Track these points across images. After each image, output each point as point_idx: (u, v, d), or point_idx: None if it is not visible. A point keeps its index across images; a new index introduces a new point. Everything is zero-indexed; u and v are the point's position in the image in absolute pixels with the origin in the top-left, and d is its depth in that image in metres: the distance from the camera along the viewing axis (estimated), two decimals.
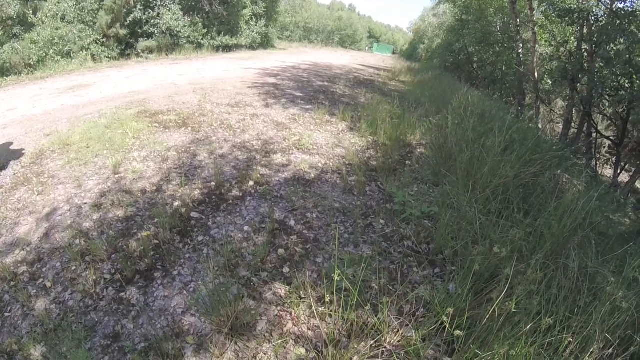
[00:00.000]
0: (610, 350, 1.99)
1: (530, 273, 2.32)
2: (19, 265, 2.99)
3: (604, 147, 13.97)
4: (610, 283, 2.54)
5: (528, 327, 1.96)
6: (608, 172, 13.36)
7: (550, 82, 14.58)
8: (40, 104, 7.35)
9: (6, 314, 2.61)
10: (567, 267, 2.53)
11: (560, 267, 2.53)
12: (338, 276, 2.04)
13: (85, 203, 3.68)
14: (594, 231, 3.11)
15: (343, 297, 2.24)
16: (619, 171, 11.89)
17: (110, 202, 3.64)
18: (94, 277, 2.76)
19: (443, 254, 3.03)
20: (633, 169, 11.99)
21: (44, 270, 2.93)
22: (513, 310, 2.01)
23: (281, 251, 3.00)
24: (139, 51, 15.94)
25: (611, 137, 12.66)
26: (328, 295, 2.34)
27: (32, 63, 13.23)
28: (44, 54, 13.50)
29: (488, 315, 2.06)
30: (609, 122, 13.06)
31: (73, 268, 2.87)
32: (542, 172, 4.01)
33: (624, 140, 11.29)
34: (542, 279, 2.33)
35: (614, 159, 12.25)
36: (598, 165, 13.11)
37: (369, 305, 2.33)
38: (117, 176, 4.12)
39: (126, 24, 15.81)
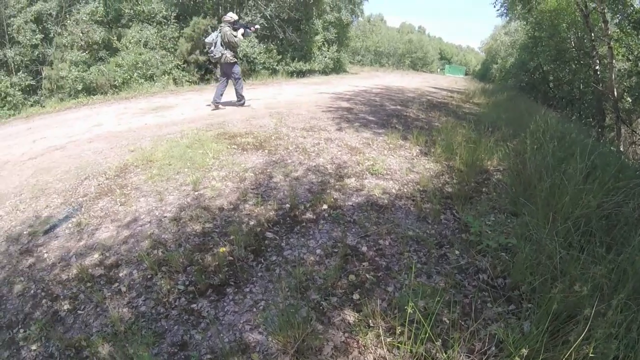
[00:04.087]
0: None
1: (610, 315, 2.19)
2: (96, 267, 3.23)
3: None
4: None
5: None
6: None
7: (631, 100, 13.70)
8: (124, 121, 7.90)
9: (79, 312, 2.82)
10: None
11: None
12: (411, 308, 2.03)
13: (165, 216, 3.91)
14: None
15: (413, 330, 2.21)
16: None
17: (189, 217, 3.85)
18: (168, 287, 2.92)
19: (520, 290, 2.91)
20: None
21: (120, 275, 3.14)
22: (590, 355, 1.90)
23: (352, 277, 3.01)
24: (218, 76, 16.66)
25: None
26: (399, 327, 2.31)
27: (117, 84, 14.24)
28: (128, 77, 14.48)
29: (564, 359, 1.97)
30: None
31: (149, 276, 3.06)
32: (626, 201, 3.75)
33: None
34: (622, 321, 2.19)
35: None
36: None
37: (439, 340, 2.28)
38: (196, 193, 4.34)
39: (205, 50, 16.66)
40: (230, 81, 9.11)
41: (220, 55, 8.61)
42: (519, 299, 2.87)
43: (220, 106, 9.07)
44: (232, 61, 8.72)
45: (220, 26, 8.70)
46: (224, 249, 3.31)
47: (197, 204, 4.10)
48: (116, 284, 3.04)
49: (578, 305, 2.40)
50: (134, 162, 5.20)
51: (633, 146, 16.64)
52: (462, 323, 2.57)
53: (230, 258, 3.22)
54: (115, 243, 3.54)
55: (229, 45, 8.57)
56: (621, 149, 13.15)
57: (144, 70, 14.93)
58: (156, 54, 15.56)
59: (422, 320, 2.18)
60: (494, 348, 2.33)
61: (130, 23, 16.43)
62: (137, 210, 4.05)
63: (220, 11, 17.31)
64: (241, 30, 8.77)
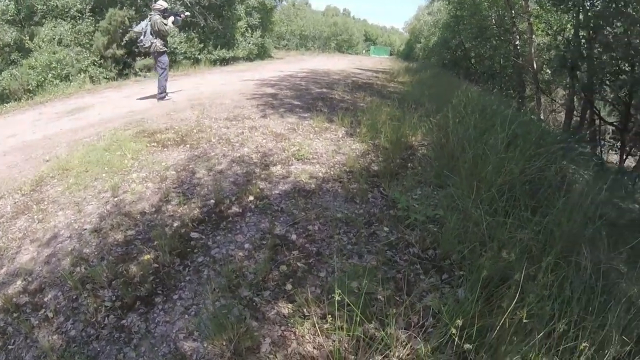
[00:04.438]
0: (628, 348, 1.93)
1: (541, 277, 2.23)
2: (20, 295, 2.95)
3: (608, 134, 13.85)
4: (624, 279, 2.46)
5: (540, 334, 1.89)
6: (614, 157, 13.24)
7: (550, 72, 14.52)
8: (40, 129, 7.35)
9: (10, 347, 2.57)
10: (579, 265, 2.45)
11: (572, 265, 2.43)
12: (339, 295, 1.97)
13: (85, 229, 3.63)
14: (604, 223, 3.01)
15: (347, 313, 2.15)
16: (624, 156, 11.79)
17: (110, 226, 3.59)
18: (95, 305, 2.70)
19: (450, 259, 2.95)
20: (639, 152, 11.88)
21: (45, 300, 2.88)
22: (525, 320, 1.92)
23: (283, 267, 2.93)
24: (137, 70, 15.96)
25: (614, 123, 12.56)
26: (336, 312, 2.26)
27: (31, 88, 13.22)
28: (43, 79, 13.50)
29: (500, 325, 1.99)
30: (612, 107, 12.94)
31: (74, 296, 2.83)
32: (548, 165, 3.91)
33: (627, 125, 11.19)
34: (554, 281, 2.25)
35: (618, 144, 12.16)
36: (603, 152, 13.00)
37: (375, 318, 2.27)
38: (116, 199, 4.07)
39: (122, 44, 15.86)
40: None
41: (150, 44, 8.32)
42: (450, 267, 2.91)
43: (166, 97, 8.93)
44: (162, 50, 8.44)
45: (150, 14, 8.38)
46: (148, 256, 3.12)
47: (117, 211, 3.85)
48: (42, 310, 2.79)
49: (509, 269, 2.44)
50: (50, 172, 4.83)
51: (553, 114, 17.65)
52: (397, 299, 2.57)
53: (156, 265, 3.04)
54: (37, 265, 3.25)
55: (159, 33, 8.28)
56: (542, 117, 13.90)
57: (59, 70, 13.97)
58: (71, 51, 14.63)
59: (352, 304, 2.12)
60: (431, 319, 2.34)
61: (44, 20, 15.36)
62: (56, 226, 3.75)
63: (139, 1, 16.58)
64: (171, 18, 8.47)
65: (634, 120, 11.22)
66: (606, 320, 1.99)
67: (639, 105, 10.68)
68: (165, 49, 8.60)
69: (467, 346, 1.86)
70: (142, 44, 8.46)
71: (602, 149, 13.00)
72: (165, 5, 8.48)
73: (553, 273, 2.30)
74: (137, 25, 8.79)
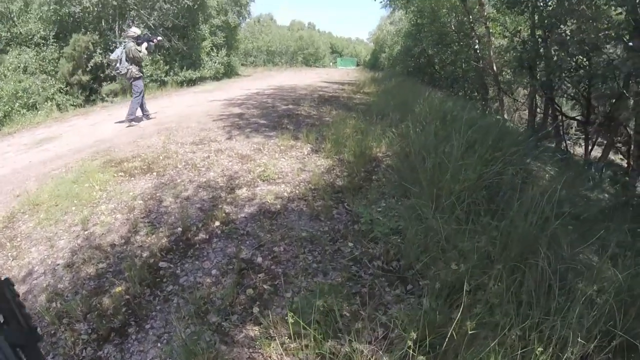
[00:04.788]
0: (593, 345, 1.96)
1: (491, 285, 2.32)
2: None
3: (572, 128, 14.25)
4: (582, 278, 2.51)
5: (493, 343, 1.94)
6: (579, 150, 13.58)
7: (510, 73, 14.87)
8: (8, 162, 7.24)
9: None
10: (537, 266, 2.49)
11: (530, 269, 2.48)
12: (292, 318, 2.04)
13: (58, 264, 3.63)
14: (571, 218, 3.10)
15: (312, 331, 2.22)
16: (590, 147, 12.12)
17: (82, 260, 3.59)
18: (73, 339, 2.72)
19: (414, 269, 3.01)
20: (605, 141, 12.21)
21: None
22: (471, 331, 1.98)
23: (250, 291, 2.97)
24: (104, 95, 15.81)
25: (577, 117, 12.93)
26: (296, 332, 2.31)
27: None
28: (10, 109, 13.25)
29: (455, 335, 2.04)
30: (573, 101, 13.31)
31: (52, 331, 2.84)
32: (506, 168, 4.01)
33: (590, 117, 11.52)
34: (510, 285, 2.29)
35: (583, 136, 12.50)
36: (569, 146, 13.34)
37: (342, 334, 2.31)
38: (86, 232, 4.06)
39: (88, 69, 15.72)
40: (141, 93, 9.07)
41: (126, 70, 8.59)
42: (414, 278, 2.98)
43: (150, 116, 9.46)
44: (137, 75, 8.69)
45: (124, 42, 8.72)
46: (120, 288, 3.14)
47: (88, 245, 3.84)
48: None
49: (468, 278, 2.48)
50: (21, 208, 4.78)
51: (517, 112, 18.05)
52: (363, 313, 2.60)
53: (127, 296, 3.06)
54: None
55: (134, 60, 8.55)
56: (506, 116, 14.22)
57: (25, 99, 13.74)
58: (37, 79, 14.45)
59: (318, 322, 2.19)
60: (397, 330, 2.37)
61: (8, 48, 15.16)
62: (30, 262, 3.74)
63: (103, 24, 16.48)
64: (145, 45, 8.78)
65: (596, 111, 11.57)
66: (566, 320, 2.04)
67: (599, 98, 11.03)
68: (141, 74, 8.85)
69: (420, 358, 1.93)
70: (118, 71, 8.78)
71: (567, 143, 13.35)
72: (138, 32, 8.87)
73: (510, 278, 2.36)
74: (112, 53, 9.07)
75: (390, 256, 3.24)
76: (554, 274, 2.40)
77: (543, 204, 2.94)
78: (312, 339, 2.25)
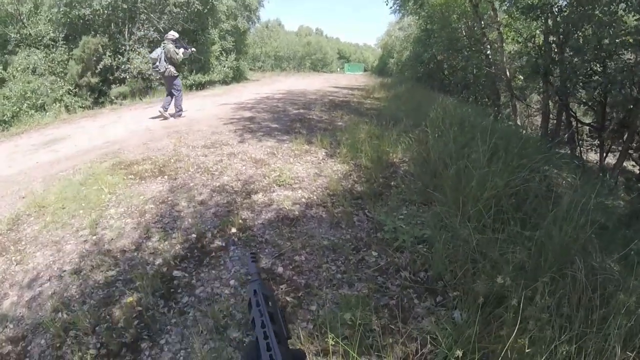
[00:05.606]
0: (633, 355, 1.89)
1: (539, 299, 2.17)
2: (3, 344, 2.77)
3: (585, 134, 14.06)
4: (621, 288, 2.40)
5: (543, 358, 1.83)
6: (593, 156, 13.44)
7: (523, 78, 14.73)
8: (16, 162, 7.14)
9: None
10: (575, 278, 2.36)
11: (568, 280, 2.35)
12: (332, 340, 1.88)
13: (65, 270, 3.45)
14: (593, 227, 2.96)
15: (342, 347, 2.07)
16: (604, 154, 11.95)
17: (90, 267, 3.42)
18: (80, 354, 2.53)
19: (443, 280, 2.87)
20: (619, 148, 12.04)
21: (29, 348, 2.70)
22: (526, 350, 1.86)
23: None
24: (112, 98, 15.83)
25: (591, 123, 12.75)
26: (324, 349, 2.17)
27: (6, 119, 13.02)
28: (18, 109, 13.32)
29: (502, 353, 1.91)
30: (587, 108, 13.14)
31: (57, 344, 2.66)
32: (532, 175, 3.87)
33: (604, 124, 11.36)
34: (552, 301, 2.17)
35: (597, 142, 12.33)
36: (583, 153, 13.18)
37: (372, 350, 2.17)
38: (94, 237, 3.89)
39: (97, 71, 15.76)
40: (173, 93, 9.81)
41: (164, 69, 9.28)
42: (444, 289, 2.83)
43: (182, 114, 10.11)
44: (175, 74, 9.44)
45: (164, 43, 9.33)
46: (131, 299, 2.97)
47: (97, 250, 3.67)
48: None
49: (507, 290, 2.36)
50: (27, 210, 4.63)
51: (529, 119, 17.90)
52: (393, 327, 2.46)
53: (139, 308, 2.89)
54: (18, 311, 3.07)
55: (171, 61, 9.25)
56: (518, 122, 14.07)
57: (34, 100, 13.83)
58: (45, 80, 14.52)
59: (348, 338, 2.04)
60: (429, 346, 2.25)
61: (17, 49, 15.20)
62: (35, 268, 3.56)
63: (112, 27, 16.55)
64: (182, 49, 9.54)
65: (610, 118, 11.39)
66: (608, 333, 1.95)
67: (614, 104, 10.86)
68: (178, 73, 9.67)
69: None
70: (157, 69, 9.46)
71: (581, 150, 13.19)
72: (176, 35, 9.61)
73: (551, 291, 2.23)
74: (152, 52, 9.73)
75: (417, 266, 3.09)
76: (591, 285, 2.30)
77: (578, 213, 2.83)
78: (342, 356, 2.09)
